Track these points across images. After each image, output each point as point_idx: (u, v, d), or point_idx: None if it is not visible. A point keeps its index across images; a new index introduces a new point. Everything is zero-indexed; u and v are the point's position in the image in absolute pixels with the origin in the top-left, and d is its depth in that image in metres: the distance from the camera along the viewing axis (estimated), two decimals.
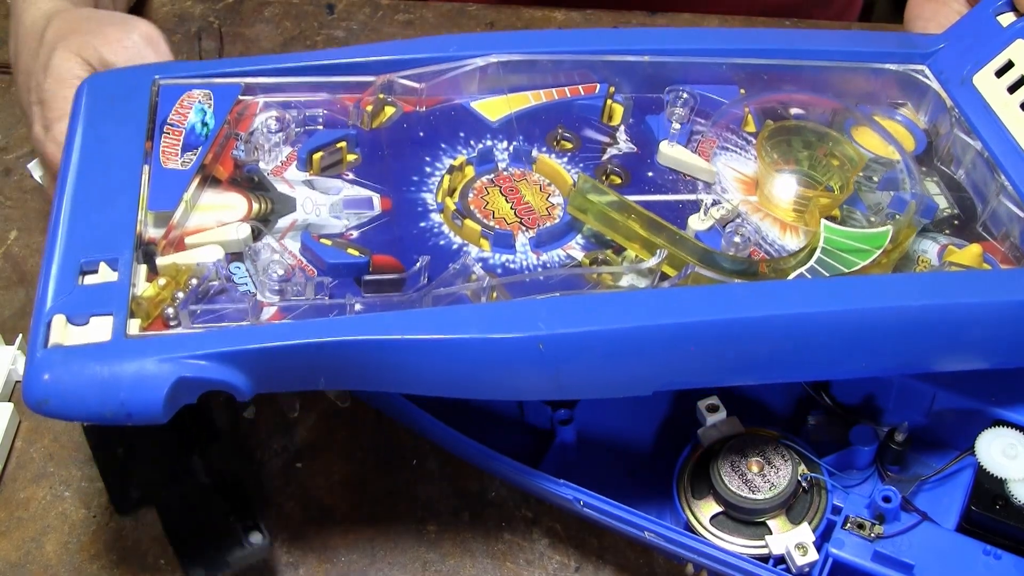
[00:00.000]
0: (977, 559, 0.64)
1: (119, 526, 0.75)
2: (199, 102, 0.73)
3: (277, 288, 0.64)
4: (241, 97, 0.74)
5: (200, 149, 0.70)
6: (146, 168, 0.69)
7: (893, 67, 0.80)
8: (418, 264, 0.66)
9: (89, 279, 0.63)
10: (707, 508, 0.69)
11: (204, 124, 0.72)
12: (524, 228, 0.70)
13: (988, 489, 0.66)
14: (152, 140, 0.70)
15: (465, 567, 0.73)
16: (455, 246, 0.69)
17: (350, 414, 0.80)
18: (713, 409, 0.72)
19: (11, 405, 0.79)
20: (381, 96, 0.76)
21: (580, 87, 0.78)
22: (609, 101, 0.78)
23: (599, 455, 0.76)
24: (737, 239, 0.69)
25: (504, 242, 0.69)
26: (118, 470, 0.68)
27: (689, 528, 0.69)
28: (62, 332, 0.59)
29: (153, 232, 0.66)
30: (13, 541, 0.74)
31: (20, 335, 0.84)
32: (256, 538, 0.67)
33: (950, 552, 0.64)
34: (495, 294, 0.64)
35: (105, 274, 0.63)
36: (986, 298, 0.64)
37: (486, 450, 0.70)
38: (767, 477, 0.68)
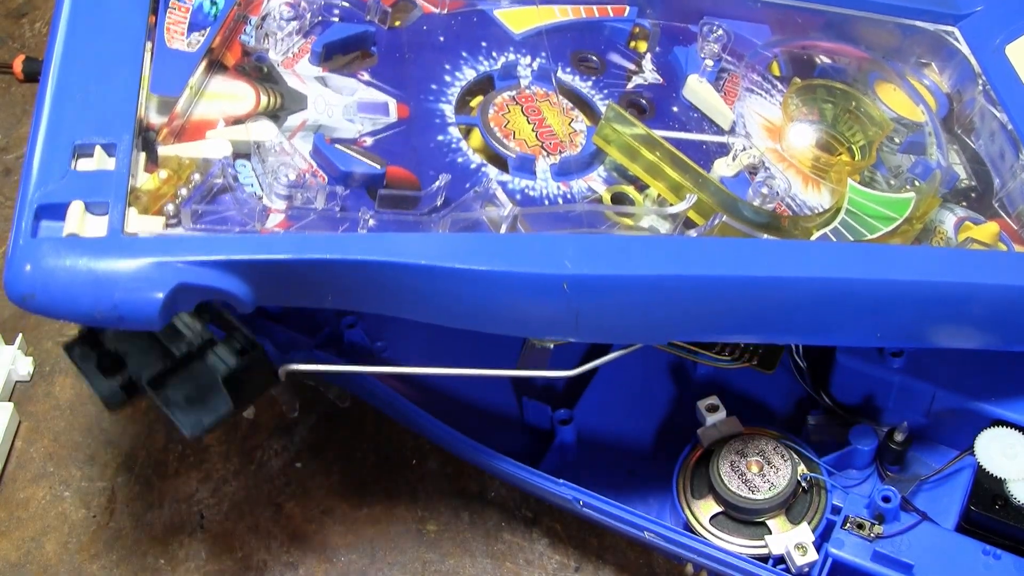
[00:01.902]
0: (977, 559, 0.64)
1: (119, 526, 0.75)
2: None
3: (285, 193, 0.60)
4: None
5: (208, 31, 0.65)
6: (148, 46, 0.64)
7: (924, 25, 0.78)
8: (437, 183, 0.63)
9: (83, 164, 0.57)
10: (707, 508, 0.69)
11: (213, 3, 0.67)
12: (545, 153, 0.67)
13: (987, 489, 0.66)
14: (156, 15, 0.65)
15: (465, 567, 0.73)
16: (473, 165, 0.66)
17: (350, 414, 0.80)
18: (713, 409, 0.72)
19: (11, 405, 0.79)
20: None
21: (609, 7, 0.76)
22: (637, 28, 0.76)
23: (599, 455, 0.76)
24: (765, 191, 0.66)
25: (525, 167, 0.66)
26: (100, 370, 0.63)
27: (689, 528, 0.69)
28: (53, 223, 0.55)
29: (154, 118, 0.62)
30: (13, 541, 0.74)
31: (20, 335, 0.84)
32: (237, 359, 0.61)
33: (950, 552, 0.64)
34: (516, 223, 0.62)
35: (101, 160, 0.58)
36: (1008, 280, 0.63)
37: (486, 450, 0.70)
38: (767, 477, 0.68)
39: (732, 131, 0.71)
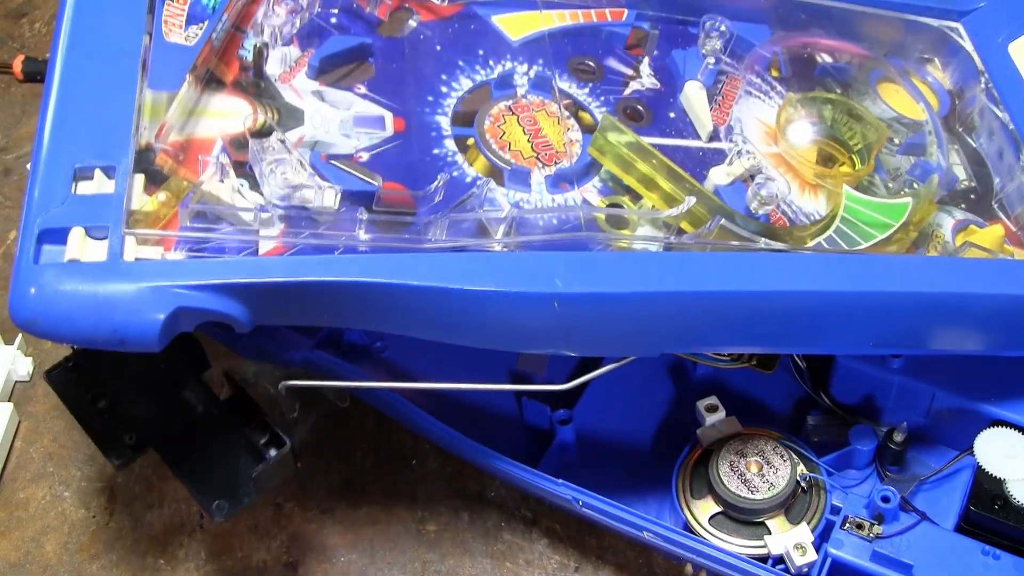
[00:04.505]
0: (976, 559, 0.64)
1: (119, 526, 0.75)
2: None
3: (284, 192, 0.61)
4: None
5: (207, 24, 0.66)
6: (146, 39, 0.64)
7: (927, 21, 0.77)
8: (436, 183, 0.63)
9: (83, 187, 0.59)
10: (706, 508, 0.69)
11: None
12: (541, 164, 0.67)
13: (987, 489, 0.66)
14: (152, 13, 0.65)
15: (465, 567, 0.73)
16: (469, 178, 0.66)
17: (350, 414, 0.80)
18: (712, 409, 0.72)
19: (11, 405, 0.79)
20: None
21: (607, 11, 0.76)
22: (635, 32, 0.76)
23: (599, 455, 0.76)
24: (764, 192, 0.66)
25: (520, 179, 0.66)
26: (103, 420, 0.65)
27: (688, 528, 0.69)
28: (55, 247, 0.57)
29: (151, 133, 0.62)
30: (13, 541, 0.74)
31: (20, 335, 0.84)
32: (272, 452, 0.64)
33: (949, 552, 0.64)
34: (512, 230, 0.62)
35: (101, 183, 0.59)
36: (999, 290, 0.63)
37: (486, 450, 0.70)
38: (766, 477, 0.68)
39: (717, 136, 0.70)
